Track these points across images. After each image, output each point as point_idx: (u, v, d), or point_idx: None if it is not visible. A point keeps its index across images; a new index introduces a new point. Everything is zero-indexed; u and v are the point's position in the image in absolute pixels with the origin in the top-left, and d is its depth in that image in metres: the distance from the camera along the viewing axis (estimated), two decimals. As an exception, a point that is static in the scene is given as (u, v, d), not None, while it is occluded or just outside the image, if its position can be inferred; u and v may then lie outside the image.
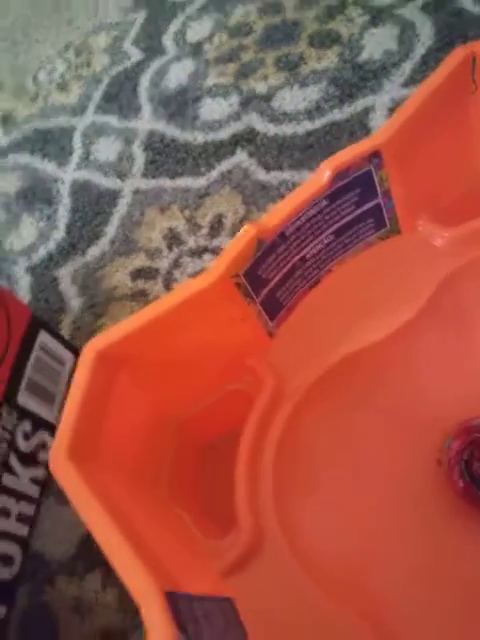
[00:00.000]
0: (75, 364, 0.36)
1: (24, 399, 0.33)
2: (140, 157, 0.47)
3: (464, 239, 0.26)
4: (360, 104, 0.42)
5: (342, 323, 0.26)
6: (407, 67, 0.43)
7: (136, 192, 0.45)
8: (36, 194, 0.49)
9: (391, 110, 0.41)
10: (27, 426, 0.33)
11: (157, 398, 0.25)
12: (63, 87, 0.56)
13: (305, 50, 0.47)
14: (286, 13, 0.51)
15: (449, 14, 0.44)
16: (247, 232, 0.23)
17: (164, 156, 0.46)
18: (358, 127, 0.41)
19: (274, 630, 0.21)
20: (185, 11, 0.56)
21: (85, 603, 0.30)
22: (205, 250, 0.40)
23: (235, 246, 0.23)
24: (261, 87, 0.47)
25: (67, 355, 0.37)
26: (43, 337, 0.35)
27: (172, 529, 0.23)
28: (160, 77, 0.52)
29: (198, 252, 0.40)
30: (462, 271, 0.27)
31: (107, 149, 0.49)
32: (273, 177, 0.41)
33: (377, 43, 0.45)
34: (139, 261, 0.41)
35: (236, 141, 0.44)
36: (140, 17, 0.59)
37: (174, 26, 0.56)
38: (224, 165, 0.43)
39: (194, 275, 0.38)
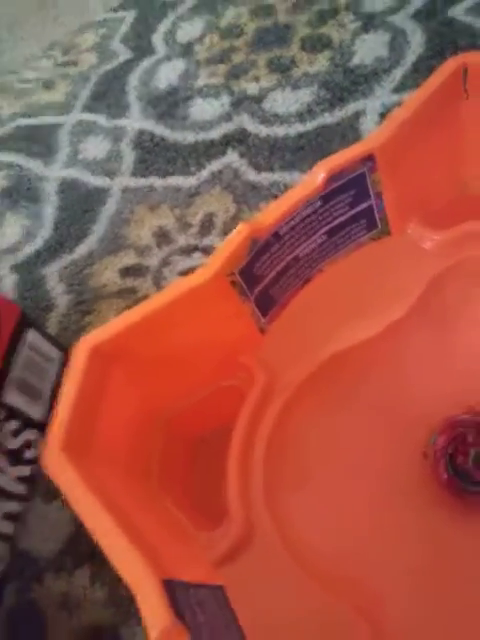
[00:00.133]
0: (63, 362, 0.36)
1: (11, 397, 0.33)
2: (129, 156, 0.47)
3: (452, 242, 0.27)
4: (351, 108, 0.43)
5: (333, 321, 0.27)
6: (398, 73, 0.43)
7: (125, 190, 0.45)
8: (20, 192, 0.48)
9: (382, 115, 0.42)
10: (14, 424, 0.33)
11: (149, 393, 0.25)
12: (49, 85, 0.56)
13: (297, 53, 0.48)
14: (278, 16, 0.52)
15: (440, 23, 0.45)
16: (241, 231, 0.23)
17: (154, 155, 0.46)
18: (349, 131, 0.42)
19: (265, 620, 0.21)
20: (176, 11, 0.56)
21: (73, 599, 0.30)
22: (195, 248, 0.40)
23: (230, 244, 0.23)
24: (252, 89, 0.47)
25: (55, 353, 0.37)
26: (31, 335, 0.35)
27: (164, 521, 0.23)
28: (150, 76, 0.52)
29: (188, 250, 0.40)
30: (448, 272, 0.28)
31: (95, 148, 0.48)
32: (264, 178, 0.42)
33: (368, 49, 0.46)
34: (128, 259, 0.41)
35: (227, 141, 0.44)
36: (129, 16, 0.59)
37: (164, 26, 0.56)
38: (215, 165, 0.44)
39: (184, 273, 0.38)
